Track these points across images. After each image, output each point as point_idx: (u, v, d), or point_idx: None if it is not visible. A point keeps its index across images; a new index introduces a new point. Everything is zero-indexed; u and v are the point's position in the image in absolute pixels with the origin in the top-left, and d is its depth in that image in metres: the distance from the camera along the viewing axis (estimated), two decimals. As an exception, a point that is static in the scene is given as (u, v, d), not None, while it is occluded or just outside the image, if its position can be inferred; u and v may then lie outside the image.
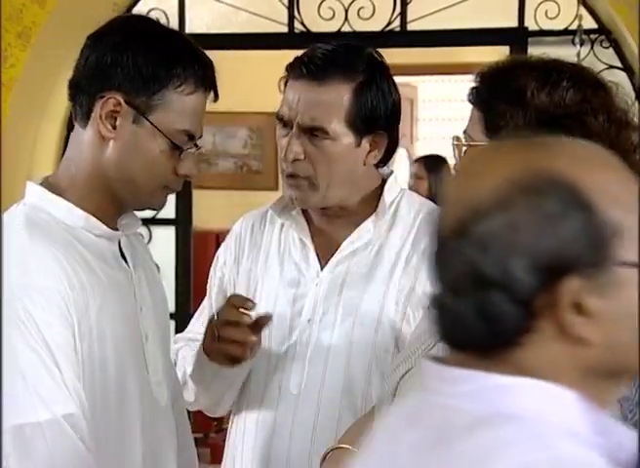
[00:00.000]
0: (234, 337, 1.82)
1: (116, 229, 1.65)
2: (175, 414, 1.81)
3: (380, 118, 1.91)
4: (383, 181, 2.00)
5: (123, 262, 1.64)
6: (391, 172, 2.02)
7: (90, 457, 1.48)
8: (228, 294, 2.03)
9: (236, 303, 1.83)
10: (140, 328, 1.63)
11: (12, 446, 1.42)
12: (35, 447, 1.44)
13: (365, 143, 1.91)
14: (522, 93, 1.47)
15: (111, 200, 1.61)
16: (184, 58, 1.59)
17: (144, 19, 1.68)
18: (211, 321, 1.86)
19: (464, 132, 1.58)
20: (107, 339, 1.55)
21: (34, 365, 1.45)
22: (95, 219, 1.58)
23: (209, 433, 4.99)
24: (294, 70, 1.91)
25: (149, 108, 1.56)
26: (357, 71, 1.89)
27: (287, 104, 1.89)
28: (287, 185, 1.93)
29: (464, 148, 1.56)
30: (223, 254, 2.10)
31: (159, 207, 1.68)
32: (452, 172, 4.28)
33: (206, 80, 1.60)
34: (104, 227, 1.60)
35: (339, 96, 1.87)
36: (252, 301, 1.84)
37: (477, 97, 1.55)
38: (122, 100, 1.55)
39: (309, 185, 1.90)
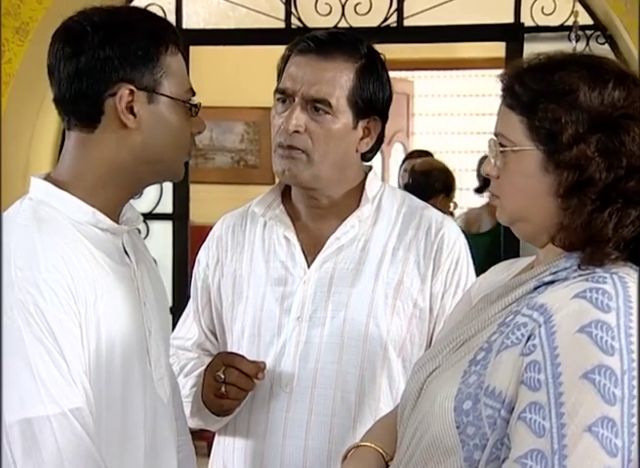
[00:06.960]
0: (239, 397, 1.89)
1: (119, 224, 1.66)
2: (174, 410, 1.82)
3: (377, 103, 1.94)
4: (364, 177, 2.02)
5: (126, 257, 1.65)
6: (370, 167, 2.04)
7: (96, 451, 1.48)
8: (212, 297, 2.06)
9: (250, 373, 1.86)
10: (143, 322, 1.64)
11: (19, 440, 1.42)
12: (43, 441, 1.43)
13: (360, 128, 1.94)
14: (573, 94, 1.39)
15: (116, 195, 1.62)
16: (156, 25, 1.63)
17: (97, 9, 1.65)
18: (216, 380, 1.88)
19: (497, 135, 1.47)
20: (114, 333, 1.55)
21: (43, 359, 1.44)
22: (101, 214, 1.59)
23: (206, 427, 5.00)
24: (299, 45, 1.92)
25: (157, 83, 1.59)
26: (360, 54, 1.92)
27: (291, 78, 1.90)
28: (279, 158, 1.91)
29: (508, 153, 1.45)
30: (205, 257, 2.09)
31: (182, 176, 1.72)
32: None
33: (175, 35, 1.64)
34: (110, 221, 1.60)
35: (343, 73, 1.90)
36: (264, 365, 1.88)
37: (515, 99, 1.44)
38: (133, 88, 1.57)
39: (305, 159, 1.90)
